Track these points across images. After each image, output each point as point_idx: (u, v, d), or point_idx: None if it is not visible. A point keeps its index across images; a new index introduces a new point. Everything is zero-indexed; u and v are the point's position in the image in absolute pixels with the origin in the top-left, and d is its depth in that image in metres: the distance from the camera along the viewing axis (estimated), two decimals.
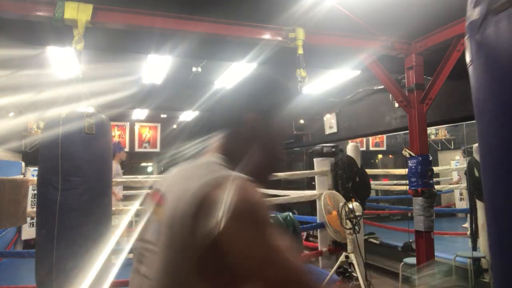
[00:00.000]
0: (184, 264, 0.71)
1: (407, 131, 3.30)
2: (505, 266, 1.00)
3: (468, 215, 4.72)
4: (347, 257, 4.03)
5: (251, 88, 0.92)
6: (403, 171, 4.08)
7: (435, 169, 3.99)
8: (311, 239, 6.07)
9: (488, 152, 1.06)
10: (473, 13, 1.07)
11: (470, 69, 1.09)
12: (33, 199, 5.36)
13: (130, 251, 1.01)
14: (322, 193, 4.59)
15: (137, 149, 8.40)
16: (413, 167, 3.09)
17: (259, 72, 0.98)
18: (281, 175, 5.80)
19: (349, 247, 4.06)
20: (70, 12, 2.13)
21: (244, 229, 0.69)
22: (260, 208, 0.72)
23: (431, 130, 6.82)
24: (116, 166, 5.37)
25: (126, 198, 5.82)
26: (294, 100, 0.93)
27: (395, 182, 6.96)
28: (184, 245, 0.70)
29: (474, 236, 4.23)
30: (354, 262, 3.94)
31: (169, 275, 0.73)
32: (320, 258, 4.99)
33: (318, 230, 4.96)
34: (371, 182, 5.37)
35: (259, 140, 0.86)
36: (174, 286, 0.73)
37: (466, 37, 1.11)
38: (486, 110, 1.05)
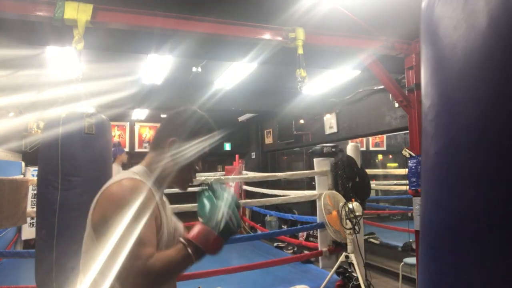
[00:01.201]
0: (88, 232, 1.10)
1: (407, 131, 3.30)
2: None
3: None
4: (347, 257, 4.03)
5: (176, 119, 1.24)
6: (403, 171, 4.08)
7: None
8: (311, 239, 6.08)
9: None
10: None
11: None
12: (33, 199, 5.36)
13: None
14: (322, 193, 4.60)
15: (137, 149, 8.40)
16: (413, 167, 3.09)
17: (188, 108, 1.26)
18: (281, 175, 5.82)
19: (349, 247, 4.06)
20: (70, 12, 2.13)
21: (99, 207, 1.08)
22: (116, 194, 1.05)
23: None
24: (117, 169, 5.36)
25: None
26: (212, 132, 1.24)
27: (395, 182, 6.96)
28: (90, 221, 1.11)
29: None
30: (354, 262, 3.94)
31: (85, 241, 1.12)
32: (320, 258, 5.00)
33: (318, 230, 4.96)
34: (371, 182, 5.37)
35: (173, 158, 1.17)
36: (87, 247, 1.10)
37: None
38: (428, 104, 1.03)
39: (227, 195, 1.07)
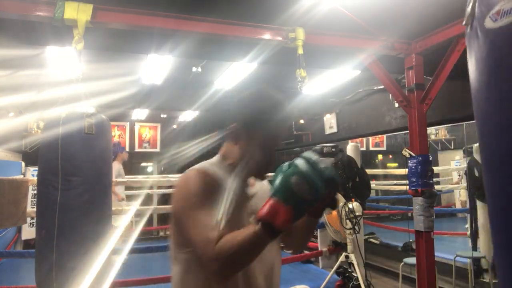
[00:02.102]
0: (172, 226, 1.10)
1: (407, 131, 3.30)
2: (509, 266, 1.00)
3: (468, 215, 4.72)
4: (347, 257, 4.03)
5: (237, 101, 1.15)
6: (403, 171, 4.08)
7: (435, 169, 3.99)
8: (311, 239, 6.07)
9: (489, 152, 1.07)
10: (465, 11, 1.08)
11: (470, 67, 1.10)
12: (33, 199, 5.36)
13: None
14: None
15: (137, 149, 8.40)
16: (413, 167, 3.09)
17: (253, 88, 1.17)
18: None
19: (349, 247, 4.06)
20: (70, 12, 2.13)
21: (176, 200, 1.05)
22: (189, 186, 1.03)
23: (431, 130, 6.81)
24: (118, 167, 5.36)
25: (126, 198, 5.83)
26: (282, 114, 1.10)
27: (395, 182, 6.96)
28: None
29: (474, 236, 4.23)
30: (354, 262, 3.94)
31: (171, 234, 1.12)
32: (320, 258, 5.00)
33: (318, 230, 4.96)
34: (371, 182, 5.37)
35: (243, 145, 1.09)
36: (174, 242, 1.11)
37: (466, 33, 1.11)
38: (485, 109, 1.05)
39: (308, 162, 0.93)
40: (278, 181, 0.92)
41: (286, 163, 0.96)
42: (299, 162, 0.93)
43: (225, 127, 1.12)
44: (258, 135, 1.08)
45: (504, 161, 0.99)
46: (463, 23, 1.11)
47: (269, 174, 1.11)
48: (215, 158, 1.15)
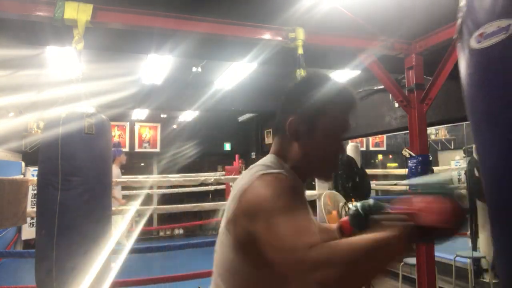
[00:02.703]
0: (227, 240, 0.89)
1: (407, 131, 3.30)
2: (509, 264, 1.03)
3: (468, 215, 4.71)
4: None
5: (290, 93, 0.98)
6: (403, 171, 4.08)
7: (435, 169, 3.99)
8: None
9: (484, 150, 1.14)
10: (458, 24, 1.16)
11: (461, 75, 1.17)
12: (33, 199, 5.36)
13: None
14: (322, 193, 4.59)
15: (137, 149, 8.40)
16: (413, 167, 3.09)
17: (306, 75, 1.03)
18: None
19: None
20: (70, 12, 2.13)
21: (255, 210, 0.82)
22: (267, 197, 0.82)
23: (431, 130, 6.81)
24: (116, 171, 5.35)
25: (125, 198, 5.82)
26: (344, 99, 0.94)
27: (395, 182, 6.96)
28: (227, 227, 0.89)
29: (474, 236, 4.23)
30: None
31: (220, 249, 0.92)
32: None
33: None
34: (371, 182, 5.37)
35: (302, 140, 0.92)
36: (224, 259, 0.91)
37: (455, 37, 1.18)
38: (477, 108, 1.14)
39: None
40: (439, 178, 0.85)
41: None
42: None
43: (279, 122, 0.95)
44: (324, 127, 0.90)
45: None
46: (454, 36, 1.19)
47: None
48: (272, 159, 0.95)
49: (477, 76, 1.10)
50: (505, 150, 1.03)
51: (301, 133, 0.92)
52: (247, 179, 0.88)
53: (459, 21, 1.16)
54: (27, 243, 6.25)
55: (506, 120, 1.02)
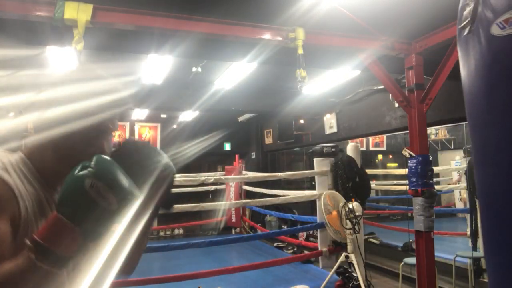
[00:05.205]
0: None
1: (407, 131, 3.30)
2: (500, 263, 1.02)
3: (468, 215, 4.72)
4: (347, 257, 4.03)
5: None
6: (403, 171, 4.08)
7: (435, 169, 3.99)
8: (311, 239, 6.08)
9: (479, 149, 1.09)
10: (461, 17, 1.08)
11: (466, 71, 1.09)
12: None
13: None
14: (322, 193, 4.60)
15: None
16: (413, 167, 3.09)
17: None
18: (281, 175, 5.81)
19: (349, 247, 4.06)
20: (70, 12, 2.13)
21: None
22: None
23: (431, 130, 6.81)
24: None
25: None
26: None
27: (395, 182, 6.96)
28: None
29: (474, 236, 4.23)
30: (354, 262, 3.94)
31: None
32: (320, 258, 4.99)
33: (318, 230, 4.96)
34: (371, 182, 5.37)
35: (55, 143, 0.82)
36: None
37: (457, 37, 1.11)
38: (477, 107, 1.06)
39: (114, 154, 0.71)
40: (63, 188, 0.67)
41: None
42: (97, 157, 0.69)
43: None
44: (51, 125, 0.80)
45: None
46: (459, 26, 1.10)
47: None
48: (17, 156, 0.83)
49: (497, 67, 1.00)
50: None
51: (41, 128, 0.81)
52: None
53: (469, 7, 1.06)
54: None
55: None
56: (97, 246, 0.73)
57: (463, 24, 1.08)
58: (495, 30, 0.98)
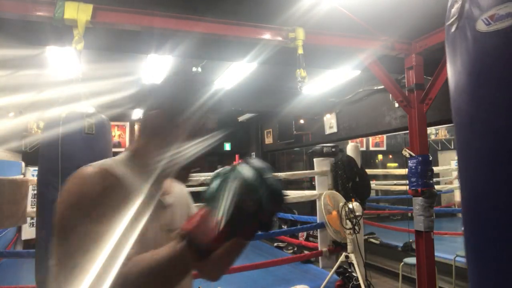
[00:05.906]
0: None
1: (407, 131, 3.30)
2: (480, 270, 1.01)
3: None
4: (347, 257, 4.03)
5: (155, 88, 0.96)
6: (403, 171, 4.08)
7: (435, 169, 3.99)
8: (311, 239, 6.08)
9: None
10: (449, 15, 1.07)
11: (452, 68, 1.08)
12: (33, 199, 5.36)
13: None
14: (322, 193, 4.60)
15: None
16: (413, 167, 3.09)
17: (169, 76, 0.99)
18: (281, 175, 5.81)
19: (349, 247, 4.06)
20: (70, 12, 2.13)
21: (60, 203, 0.80)
22: (75, 187, 0.81)
23: (431, 130, 6.82)
24: None
25: None
26: (205, 102, 0.93)
27: (395, 182, 6.96)
28: None
29: None
30: (354, 262, 3.94)
31: None
32: (320, 258, 4.99)
33: (318, 230, 4.96)
34: (371, 182, 5.37)
35: (159, 136, 0.89)
36: None
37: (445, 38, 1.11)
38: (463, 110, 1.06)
39: (253, 167, 0.73)
40: (213, 186, 0.73)
41: (226, 167, 0.77)
42: (243, 166, 0.74)
43: (142, 118, 0.93)
44: (181, 125, 0.87)
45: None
46: (447, 23, 1.09)
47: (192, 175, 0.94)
48: (122, 155, 0.92)
49: (481, 63, 0.99)
50: None
51: (158, 128, 0.89)
52: None
53: (457, 4, 1.05)
54: (27, 243, 6.25)
55: None
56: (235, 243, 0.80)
57: (450, 21, 1.08)
58: (481, 26, 0.98)
